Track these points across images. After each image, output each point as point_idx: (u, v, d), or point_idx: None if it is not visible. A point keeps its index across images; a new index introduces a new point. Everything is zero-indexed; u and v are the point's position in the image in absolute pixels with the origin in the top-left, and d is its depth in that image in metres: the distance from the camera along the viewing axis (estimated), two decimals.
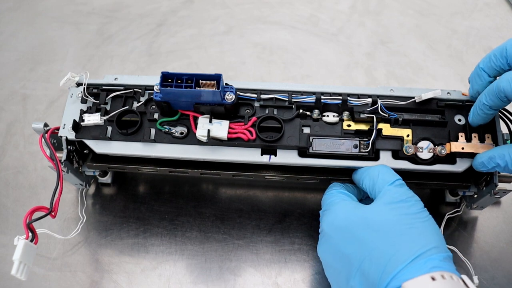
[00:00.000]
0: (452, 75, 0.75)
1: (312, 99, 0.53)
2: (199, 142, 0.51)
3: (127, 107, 0.54)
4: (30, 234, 0.48)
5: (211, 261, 0.58)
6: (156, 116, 0.53)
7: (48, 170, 0.65)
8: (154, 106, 0.54)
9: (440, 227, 0.59)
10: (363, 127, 0.52)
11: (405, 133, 0.52)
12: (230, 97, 0.49)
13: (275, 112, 0.53)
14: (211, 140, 0.51)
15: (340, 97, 0.52)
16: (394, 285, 0.41)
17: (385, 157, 0.52)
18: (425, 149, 0.51)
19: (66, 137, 0.53)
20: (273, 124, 0.52)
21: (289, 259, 0.58)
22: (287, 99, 0.53)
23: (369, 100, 0.53)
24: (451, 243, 0.58)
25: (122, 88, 0.55)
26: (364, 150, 0.51)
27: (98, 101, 0.54)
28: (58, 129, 0.54)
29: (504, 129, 0.53)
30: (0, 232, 0.61)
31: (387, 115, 0.52)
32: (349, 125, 0.53)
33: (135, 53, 0.78)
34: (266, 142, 0.51)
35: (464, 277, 0.42)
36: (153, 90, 0.53)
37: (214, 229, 0.60)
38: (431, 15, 0.83)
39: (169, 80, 0.48)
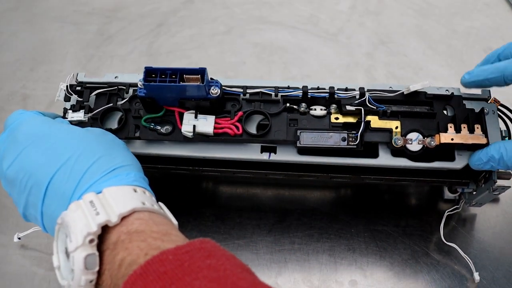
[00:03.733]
0: (452, 75, 0.75)
1: (299, 92, 0.53)
2: (185, 138, 0.51)
3: (111, 104, 0.53)
4: None
5: None
6: (141, 113, 0.53)
7: None
8: (139, 103, 0.53)
9: (440, 224, 0.59)
10: (351, 119, 0.52)
11: (393, 125, 0.52)
12: (215, 91, 0.49)
13: (262, 107, 0.53)
14: (197, 136, 0.50)
15: (327, 90, 0.52)
16: (93, 191, 0.39)
17: (384, 154, 0.52)
18: (415, 141, 0.51)
19: None
20: (260, 119, 0.53)
21: (289, 259, 0.58)
22: (273, 93, 0.53)
23: (357, 92, 0.52)
24: (450, 241, 0.58)
25: (106, 85, 0.54)
26: (352, 143, 0.51)
27: (81, 99, 0.54)
28: None
29: (502, 126, 0.54)
30: (0, 232, 0.61)
31: (375, 107, 0.52)
32: (337, 118, 0.52)
33: (135, 53, 0.78)
34: (253, 137, 0.51)
35: (161, 204, 0.42)
36: (137, 87, 0.52)
37: (214, 229, 0.60)
38: (431, 15, 0.83)
39: (153, 75, 0.47)
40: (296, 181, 0.62)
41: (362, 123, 0.51)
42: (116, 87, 0.54)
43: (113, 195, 0.38)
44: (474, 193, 0.57)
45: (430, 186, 0.63)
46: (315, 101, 0.53)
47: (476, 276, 0.56)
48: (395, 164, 0.52)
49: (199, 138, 0.51)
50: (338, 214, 0.62)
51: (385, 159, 0.52)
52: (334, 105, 0.53)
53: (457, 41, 0.79)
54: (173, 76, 0.47)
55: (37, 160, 0.41)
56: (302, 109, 0.53)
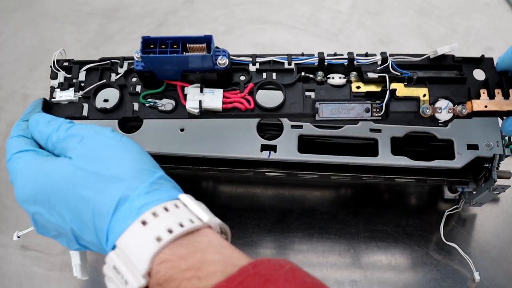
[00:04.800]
0: None
1: (314, 59, 0.47)
2: (190, 116, 0.46)
3: (104, 80, 0.48)
4: None
5: None
6: (138, 89, 0.47)
7: None
8: (135, 78, 0.48)
9: (440, 224, 0.59)
10: (374, 88, 0.47)
11: (421, 92, 0.46)
12: (223, 61, 0.44)
13: (274, 77, 0.48)
14: (204, 112, 0.46)
15: (346, 56, 0.47)
16: (112, 245, 0.35)
17: (384, 152, 0.52)
18: (444, 109, 0.46)
19: None
20: (273, 90, 0.48)
21: (289, 259, 0.58)
22: (286, 61, 0.48)
23: (378, 58, 0.47)
24: (450, 241, 0.58)
25: (97, 60, 0.49)
26: (377, 114, 0.46)
27: (70, 75, 0.49)
28: None
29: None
30: (0, 232, 0.61)
31: (399, 74, 0.46)
32: (358, 87, 0.47)
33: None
34: (266, 111, 0.46)
35: (183, 196, 0.37)
36: (133, 60, 0.46)
37: None
38: (431, 15, 0.83)
39: (152, 46, 0.42)
40: (296, 181, 0.62)
41: (387, 91, 0.45)
42: (108, 61, 0.49)
43: (128, 247, 0.33)
44: (474, 192, 0.57)
45: (430, 186, 0.63)
46: (332, 68, 0.48)
47: (476, 276, 0.56)
48: (395, 163, 0.52)
49: (206, 114, 0.46)
50: (338, 214, 0.62)
51: (384, 158, 0.52)
52: (354, 73, 0.47)
53: (457, 41, 0.79)
54: (175, 46, 0.42)
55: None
56: (319, 78, 0.47)
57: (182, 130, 0.54)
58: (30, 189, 0.39)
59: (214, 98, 0.45)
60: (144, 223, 0.33)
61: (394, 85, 0.46)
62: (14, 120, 0.70)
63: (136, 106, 0.47)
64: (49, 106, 0.48)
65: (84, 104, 0.48)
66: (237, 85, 0.47)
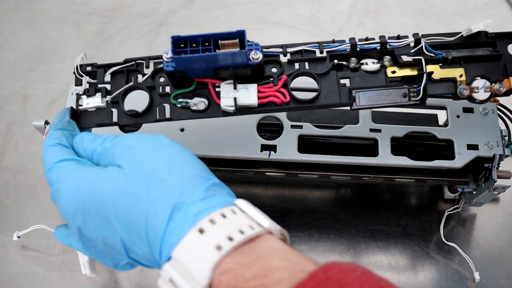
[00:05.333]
0: None
1: (346, 45, 0.46)
2: (224, 113, 0.45)
3: (132, 83, 0.46)
4: None
5: None
6: (168, 89, 0.45)
7: None
8: (163, 78, 0.46)
9: (440, 224, 0.59)
10: (409, 72, 0.45)
11: (457, 73, 0.45)
12: (257, 56, 0.41)
13: (307, 67, 0.46)
14: (239, 109, 0.44)
15: (378, 40, 0.46)
16: (166, 256, 0.33)
17: (384, 152, 0.52)
18: (481, 89, 0.45)
19: None
20: (305, 81, 0.46)
21: None
22: (317, 49, 0.46)
23: (411, 40, 0.45)
24: (450, 241, 0.58)
25: (121, 62, 0.47)
26: (414, 99, 0.44)
27: (95, 80, 0.47)
28: None
29: (501, 125, 0.54)
30: (0, 232, 0.61)
31: (434, 55, 0.45)
32: (393, 72, 0.46)
33: (135, 53, 0.78)
34: (303, 103, 0.44)
35: (240, 201, 0.35)
36: (159, 59, 0.45)
37: None
38: (431, 15, 0.83)
39: (182, 46, 0.40)
40: (296, 181, 0.62)
41: (424, 74, 0.44)
42: (134, 62, 0.47)
43: (185, 257, 0.31)
44: (474, 192, 0.57)
45: (430, 186, 0.63)
46: (365, 54, 0.46)
47: (476, 276, 0.56)
48: (395, 163, 0.52)
49: (241, 111, 0.44)
50: (338, 214, 0.62)
51: (384, 157, 0.52)
52: (387, 57, 0.46)
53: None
54: (206, 44, 0.40)
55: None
56: (352, 64, 0.46)
57: (182, 130, 0.54)
58: (76, 200, 0.37)
59: (248, 94, 0.44)
60: (201, 231, 0.32)
61: (429, 67, 0.45)
62: (14, 120, 0.71)
63: (167, 107, 0.45)
64: (76, 114, 0.46)
65: (112, 109, 0.46)
66: (270, 78, 0.45)
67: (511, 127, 0.54)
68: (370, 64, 0.46)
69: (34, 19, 0.83)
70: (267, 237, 0.32)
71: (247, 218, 0.33)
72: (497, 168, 0.52)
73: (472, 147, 0.52)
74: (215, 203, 0.34)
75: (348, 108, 0.45)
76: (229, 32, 0.39)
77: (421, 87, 0.44)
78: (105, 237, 0.37)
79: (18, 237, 0.59)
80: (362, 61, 0.46)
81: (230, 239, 0.31)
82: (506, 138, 0.53)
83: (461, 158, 0.52)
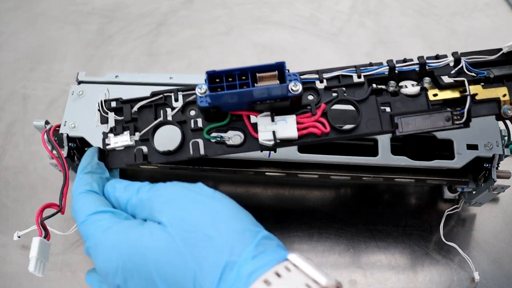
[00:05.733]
0: None
1: (384, 68, 0.44)
2: (262, 147, 0.42)
3: (161, 118, 0.44)
4: (43, 231, 0.48)
5: None
6: (200, 122, 0.43)
7: (48, 170, 0.65)
8: (194, 111, 0.44)
9: (439, 224, 0.59)
10: (451, 94, 0.43)
11: (500, 92, 0.43)
12: (296, 88, 0.39)
13: (345, 93, 0.43)
14: (278, 143, 0.42)
15: (417, 62, 0.43)
16: None
17: (384, 152, 0.52)
18: None
19: (67, 134, 0.53)
20: (344, 108, 0.44)
21: None
22: (354, 74, 0.44)
23: (450, 59, 0.43)
24: (450, 240, 0.58)
25: (148, 96, 0.45)
26: (458, 122, 0.42)
27: (122, 117, 0.45)
28: (59, 126, 0.54)
29: (501, 125, 0.54)
30: (0, 232, 0.61)
31: (475, 74, 0.43)
32: (435, 95, 0.44)
33: (135, 53, 0.78)
34: (343, 133, 0.42)
35: (292, 256, 0.33)
36: (188, 91, 0.43)
37: None
38: (431, 15, 0.83)
39: (217, 80, 0.38)
40: (296, 181, 0.62)
41: (468, 96, 0.42)
42: (161, 96, 0.44)
43: None
44: (474, 192, 0.57)
45: (430, 186, 0.63)
46: (403, 76, 0.44)
47: (476, 275, 0.56)
48: (395, 163, 0.52)
49: (280, 144, 0.42)
50: (338, 214, 0.62)
51: (384, 157, 0.52)
52: (427, 78, 0.44)
53: (457, 41, 0.79)
54: (243, 77, 0.38)
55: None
56: (391, 88, 0.44)
57: None
58: (115, 260, 0.35)
59: (287, 127, 0.41)
60: None
61: (472, 88, 0.43)
62: (14, 120, 0.71)
63: (200, 143, 0.43)
64: (104, 155, 0.45)
65: (143, 147, 0.44)
66: (307, 107, 0.42)
67: (510, 127, 0.54)
68: (410, 87, 0.44)
69: (34, 19, 0.83)
70: None
71: (302, 275, 0.31)
72: (497, 168, 0.52)
73: (472, 147, 0.52)
74: (267, 260, 0.32)
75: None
76: (267, 65, 0.38)
77: (465, 110, 0.42)
78: None
79: (19, 237, 0.58)
80: (401, 84, 0.44)
81: None
82: (506, 138, 0.53)
83: (461, 158, 0.52)
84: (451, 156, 0.52)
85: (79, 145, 0.56)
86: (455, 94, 0.44)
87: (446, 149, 0.54)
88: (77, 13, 0.84)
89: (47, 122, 0.53)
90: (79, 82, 0.56)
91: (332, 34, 0.80)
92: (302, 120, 0.42)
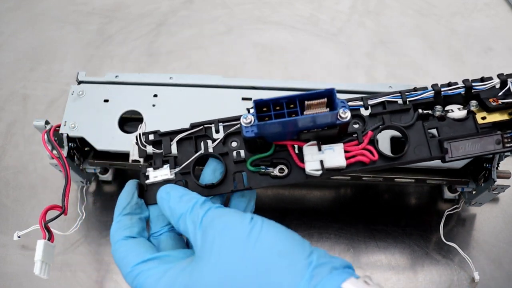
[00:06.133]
0: (452, 75, 0.75)
1: (430, 93, 0.43)
2: (308, 177, 0.41)
3: (202, 151, 0.43)
4: (47, 233, 0.48)
5: None
6: (242, 153, 0.42)
7: (48, 170, 0.65)
8: (235, 142, 0.43)
9: (439, 224, 0.59)
10: (499, 116, 0.42)
11: None
12: (345, 115, 0.37)
13: (391, 120, 0.42)
14: (326, 173, 0.40)
15: (463, 85, 0.43)
16: None
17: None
18: None
19: (67, 134, 0.53)
20: (391, 135, 0.44)
21: None
22: (399, 99, 0.43)
23: (497, 81, 0.43)
24: (450, 240, 0.58)
25: (188, 128, 0.44)
26: (509, 145, 0.41)
27: (161, 150, 0.44)
28: (59, 126, 0.54)
29: None
30: (0, 232, 0.61)
31: None
32: (483, 118, 0.43)
33: (135, 53, 0.78)
34: (391, 160, 0.41)
35: (346, 284, 0.32)
36: (229, 122, 0.42)
37: None
38: (431, 15, 0.83)
39: (264, 109, 0.36)
40: None
41: None
42: (202, 127, 0.43)
43: None
44: (474, 192, 0.57)
45: (430, 186, 0.63)
46: (449, 99, 0.44)
47: (476, 275, 0.56)
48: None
49: (328, 173, 0.40)
50: (338, 214, 0.62)
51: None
52: (474, 102, 0.43)
53: (457, 41, 0.79)
54: (291, 106, 0.37)
55: None
56: (438, 113, 0.43)
57: None
58: None
59: (335, 155, 0.40)
60: None
61: None
62: (14, 120, 0.71)
63: (244, 175, 0.42)
64: (143, 190, 0.43)
65: (183, 180, 0.43)
66: (353, 135, 0.42)
67: None
68: (457, 111, 0.43)
69: (34, 19, 0.83)
70: None
71: None
72: (497, 168, 0.52)
73: None
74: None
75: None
76: (316, 92, 0.36)
77: None
78: None
79: (19, 237, 0.58)
80: (447, 108, 0.43)
81: None
82: None
83: None
84: None
85: (79, 145, 0.56)
86: (504, 117, 0.43)
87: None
88: (77, 13, 0.84)
89: (47, 122, 0.53)
90: (79, 82, 0.56)
91: (332, 34, 0.80)
92: (349, 149, 0.41)
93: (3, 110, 0.72)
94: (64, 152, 0.53)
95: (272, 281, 0.32)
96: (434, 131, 0.42)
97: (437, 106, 0.43)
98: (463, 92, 0.43)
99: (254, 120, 0.36)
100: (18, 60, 0.78)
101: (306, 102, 0.36)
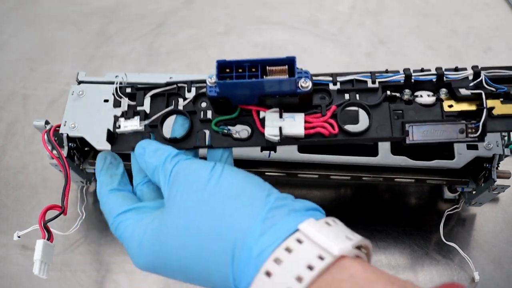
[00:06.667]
0: None
1: (400, 76, 0.43)
2: (268, 143, 0.43)
3: (172, 107, 0.45)
4: (46, 233, 0.48)
5: None
6: (209, 114, 0.44)
7: (48, 170, 0.65)
8: (205, 103, 0.45)
9: (439, 224, 0.59)
10: (467, 106, 0.43)
11: None
12: (306, 84, 0.39)
13: (357, 98, 0.43)
14: (284, 140, 0.42)
15: (435, 72, 0.43)
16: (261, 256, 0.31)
17: (384, 152, 0.52)
18: None
19: (67, 134, 0.53)
20: (354, 113, 0.46)
21: None
22: (369, 79, 0.44)
23: (470, 72, 0.43)
24: (450, 240, 0.58)
25: (162, 84, 0.46)
26: (472, 135, 0.41)
27: (134, 103, 0.46)
28: (59, 126, 0.54)
29: None
30: (0, 232, 0.61)
31: (494, 89, 0.42)
32: (450, 106, 0.43)
33: (135, 53, 0.78)
34: (352, 136, 0.42)
35: (304, 226, 0.32)
36: (201, 83, 0.44)
37: None
38: (431, 15, 0.83)
39: (227, 70, 0.38)
40: (296, 180, 0.62)
41: (484, 110, 0.41)
42: (175, 86, 0.46)
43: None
44: (474, 192, 0.57)
45: (430, 186, 0.63)
46: (420, 85, 0.44)
47: (476, 275, 0.56)
48: (395, 163, 0.52)
49: (286, 141, 0.42)
50: (338, 214, 0.61)
51: (384, 157, 0.52)
52: (444, 90, 0.43)
53: (457, 41, 0.79)
54: (253, 70, 0.38)
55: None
56: (406, 96, 0.43)
57: None
58: (145, 263, 0.37)
59: (295, 124, 0.41)
60: (268, 274, 0.29)
61: (490, 102, 0.42)
62: (14, 120, 0.71)
63: (207, 134, 0.44)
64: (113, 137, 0.45)
65: (151, 133, 0.44)
66: (318, 107, 0.43)
67: None
68: (425, 97, 0.43)
69: (34, 19, 0.83)
70: (344, 263, 0.30)
71: (314, 246, 0.30)
72: (497, 168, 0.52)
73: (472, 147, 0.52)
74: (277, 235, 0.31)
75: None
76: (278, 58, 0.38)
77: (480, 123, 0.41)
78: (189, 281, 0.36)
79: (19, 237, 0.58)
80: (416, 93, 0.44)
81: (299, 279, 0.28)
82: (506, 138, 0.53)
83: (461, 158, 0.52)
84: (451, 156, 0.52)
85: (79, 145, 0.56)
86: (471, 107, 0.43)
87: (446, 149, 0.54)
88: (77, 13, 0.84)
89: (47, 122, 0.53)
90: (79, 82, 0.56)
91: (332, 34, 0.80)
92: (311, 120, 0.42)
93: (3, 110, 0.72)
94: (64, 152, 0.53)
95: (228, 224, 0.33)
96: (401, 114, 0.43)
97: (406, 90, 0.43)
98: (434, 80, 0.43)
99: (216, 79, 0.38)
100: (18, 60, 0.78)
101: (268, 68, 0.38)
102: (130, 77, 0.56)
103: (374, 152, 0.52)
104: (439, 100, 0.43)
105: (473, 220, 0.61)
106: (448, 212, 0.60)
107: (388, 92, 0.43)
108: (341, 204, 0.63)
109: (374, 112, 0.43)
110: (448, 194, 0.61)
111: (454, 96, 0.43)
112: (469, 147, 0.52)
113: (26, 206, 0.63)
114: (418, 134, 0.42)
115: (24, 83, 0.75)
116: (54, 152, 0.52)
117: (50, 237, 0.49)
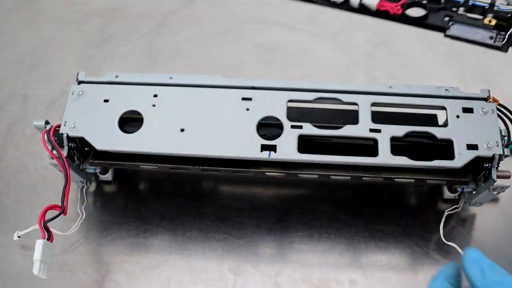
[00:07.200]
0: (452, 75, 0.75)
1: None
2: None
3: None
4: (46, 233, 0.49)
5: (211, 261, 0.58)
6: None
7: (48, 170, 0.65)
8: None
9: (439, 224, 0.59)
10: (503, 23, 0.55)
11: None
12: None
13: None
14: (361, 7, 0.60)
15: (489, 1, 0.57)
16: None
17: (384, 152, 0.52)
18: None
19: (67, 134, 0.53)
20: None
21: (289, 259, 0.58)
22: None
23: None
24: (450, 240, 0.58)
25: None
26: (498, 43, 0.54)
27: None
28: (59, 126, 0.54)
29: (501, 125, 0.54)
30: (0, 232, 0.61)
31: None
32: (490, 21, 0.56)
33: (135, 53, 0.79)
34: (413, 20, 0.57)
35: None
36: None
37: (214, 229, 0.60)
38: None
39: None
40: (296, 180, 0.62)
41: None
42: None
43: None
44: (474, 192, 0.57)
45: (430, 186, 0.63)
46: (473, 9, 0.57)
47: None
48: (395, 163, 0.52)
49: (360, 9, 0.59)
50: (338, 214, 0.62)
51: (384, 157, 0.52)
52: (491, 14, 0.56)
53: (457, 41, 0.79)
54: None
55: None
56: (460, 11, 0.57)
57: (182, 130, 0.54)
58: None
59: None
60: None
61: None
62: (14, 120, 0.71)
63: None
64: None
65: None
66: None
67: (510, 127, 0.54)
68: (474, 14, 0.57)
69: (34, 19, 0.83)
70: None
71: None
72: (497, 168, 0.52)
73: (472, 147, 0.52)
74: None
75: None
76: None
77: (507, 34, 0.53)
78: None
79: (19, 237, 0.58)
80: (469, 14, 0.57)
81: None
82: (506, 138, 0.53)
83: (461, 158, 0.52)
84: (451, 156, 0.52)
85: (79, 145, 0.56)
86: (505, 23, 0.54)
87: (446, 149, 0.54)
88: (77, 13, 0.84)
89: (47, 122, 0.53)
90: (79, 82, 0.56)
91: (332, 34, 0.80)
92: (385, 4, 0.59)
93: (3, 110, 0.72)
94: (64, 152, 0.53)
95: None
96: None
97: (462, 7, 0.57)
98: (486, 7, 0.56)
99: None
100: (18, 60, 0.78)
101: None
102: (130, 77, 0.57)
103: (374, 152, 0.52)
104: (483, 16, 0.56)
105: (473, 220, 0.61)
106: (448, 212, 0.60)
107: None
108: (341, 204, 0.63)
109: (432, 9, 0.57)
110: (448, 194, 0.61)
111: (497, 17, 0.55)
112: (469, 147, 0.52)
113: (26, 206, 0.63)
114: (455, 30, 0.55)
115: (24, 83, 0.75)
116: (54, 152, 0.52)
117: (50, 237, 0.49)
